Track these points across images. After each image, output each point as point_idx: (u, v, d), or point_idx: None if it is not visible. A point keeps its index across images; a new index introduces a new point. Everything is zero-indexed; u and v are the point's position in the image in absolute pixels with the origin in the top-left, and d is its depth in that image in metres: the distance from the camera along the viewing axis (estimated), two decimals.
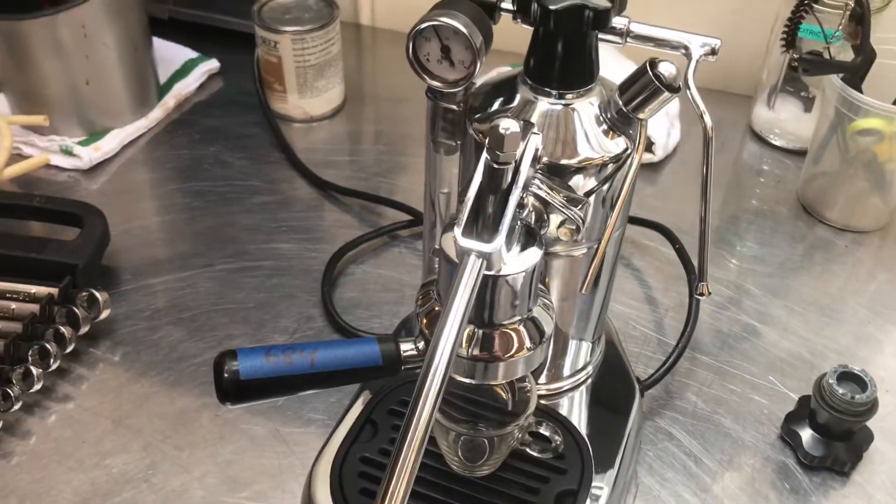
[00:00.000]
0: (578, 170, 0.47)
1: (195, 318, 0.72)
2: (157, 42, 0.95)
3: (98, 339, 0.69)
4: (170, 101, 0.95)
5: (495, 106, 0.49)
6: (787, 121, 0.91)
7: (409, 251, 0.79)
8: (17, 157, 0.85)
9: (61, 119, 0.87)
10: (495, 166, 0.39)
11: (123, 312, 0.72)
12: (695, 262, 0.74)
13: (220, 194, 0.85)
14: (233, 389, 0.42)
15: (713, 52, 0.49)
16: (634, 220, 0.80)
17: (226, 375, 0.42)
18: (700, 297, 0.52)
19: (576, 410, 0.60)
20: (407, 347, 0.44)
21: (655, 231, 0.80)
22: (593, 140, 0.47)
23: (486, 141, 0.39)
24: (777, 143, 0.92)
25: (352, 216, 0.83)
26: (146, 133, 0.92)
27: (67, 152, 0.86)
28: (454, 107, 0.50)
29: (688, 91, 0.48)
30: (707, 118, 0.48)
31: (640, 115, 0.47)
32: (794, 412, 0.64)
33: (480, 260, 0.38)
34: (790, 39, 0.80)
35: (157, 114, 0.93)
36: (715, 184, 0.86)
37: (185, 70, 0.99)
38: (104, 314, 0.68)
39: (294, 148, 0.90)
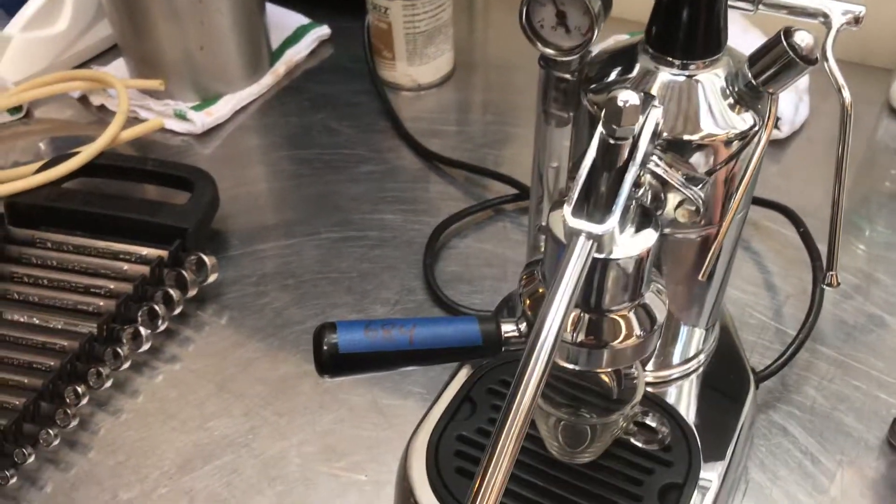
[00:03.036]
0: (700, 146, 0.44)
1: (300, 285, 0.72)
2: (270, 8, 0.96)
3: (205, 302, 0.70)
4: (281, 67, 0.95)
5: (612, 76, 0.46)
6: None
7: (514, 226, 0.77)
8: (133, 120, 0.87)
9: (176, 84, 0.88)
10: (611, 141, 0.36)
11: (230, 277, 0.73)
12: (821, 247, 0.70)
13: (326, 162, 0.85)
14: (331, 362, 0.42)
15: (856, 20, 0.45)
16: (755, 201, 0.76)
17: (325, 348, 0.41)
18: (829, 288, 0.48)
19: (684, 400, 0.57)
20: (508, 329, 0.42)
21: (778, 212, 0.75)
22: (718, 115, 0.44)
23: (602, 114, 0.36)
24: None
25: (456, 188, 0.81)
26: (257, 99, 0.93)
27: (181, 117, 0.88)
28: (568, 76, 0.48)
29: (826, 63, 0.44)
30: (846, 93, 0.44)
31: (771, 90, 0.43)
32: None
33: (590, 242, 0.36)
34: None
35: (268, 80, 0.94)
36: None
37: (297, 36, 0.99)
38: (212, 278, 0.69)
39: (401, 117, 0.89)
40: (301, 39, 0.98)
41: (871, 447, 0.59)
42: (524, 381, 0.34)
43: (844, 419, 0.61)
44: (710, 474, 0.51)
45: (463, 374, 0.57)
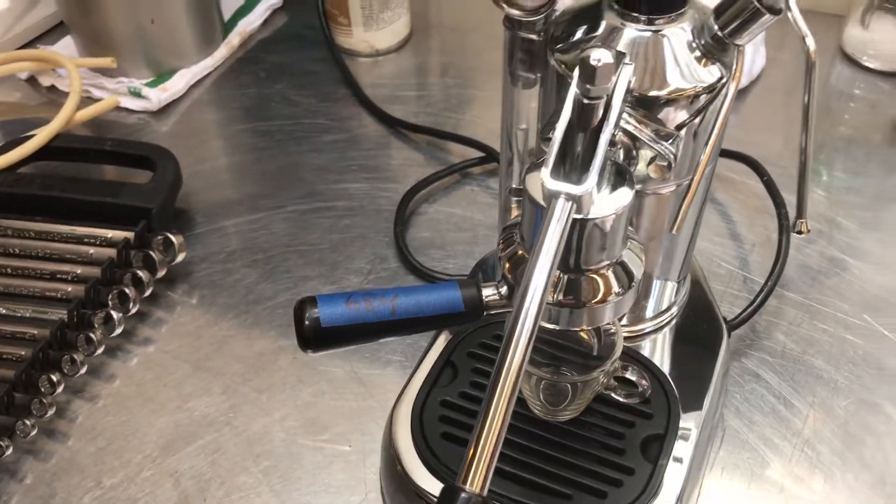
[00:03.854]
0: (669, 101, 0.44)
1: (269, 259, 0.71)
2: None
3: (175, 282, 0.69)
4: (234, 38, 0.93)
5: (578, 34, 0.46)
6: (882, 41, 0.85)
7: (482, 189, 0.77)
8: (87, 100, 0.85)
9: (128, 60, 0.86)
10: (586, 101, 0.36)
11: (198, 255, 0.72)
12: (784, 195, 0.71)
13: (287, 133, 0.83)
14: (314, 336, 0.42)
15: None
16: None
17: (306, 323, 0.41)
18: (798, 235, 0.49)
19: (659, 353, 0.57)
20: (489, 292, 0.42)
21: (740, 162, 0.76)
22: (685, 69, 0.44)
23: (576, 74, 0.36)
24: (871, 65, 0.86)
25: (420, 153, 0.81)
26: (212, 72, 0.91)
27: (136, 94, 0.86)
28: (533, 37, 0.48)
29: (789, 13, 0.44)
30: (810, 40, 0.45)
31: (738, 41, 0.43)
32: None
33: (570, 203, 0.36)
34: None
35: (222, 52, 0.92)
36: None
37: (249, 6, 0.97)
38: (180, 257, 0.68)
39: (360, 84, 0.88)
40: (253, 9, 0.96)
41: (840, 388, 0.61)
42: (512, 345, 0.34)
43: (814, 362, 0.62)
44: (689, 423, 0.52)
45: (442, 340, 0.57)
